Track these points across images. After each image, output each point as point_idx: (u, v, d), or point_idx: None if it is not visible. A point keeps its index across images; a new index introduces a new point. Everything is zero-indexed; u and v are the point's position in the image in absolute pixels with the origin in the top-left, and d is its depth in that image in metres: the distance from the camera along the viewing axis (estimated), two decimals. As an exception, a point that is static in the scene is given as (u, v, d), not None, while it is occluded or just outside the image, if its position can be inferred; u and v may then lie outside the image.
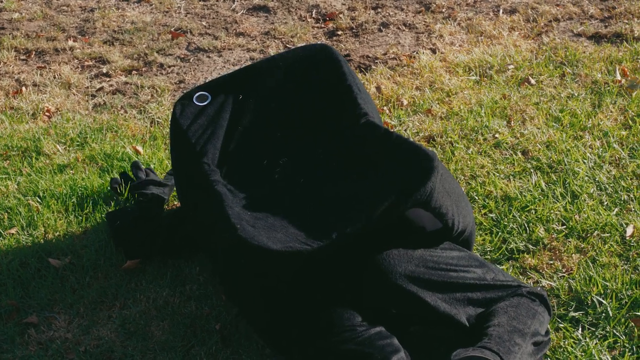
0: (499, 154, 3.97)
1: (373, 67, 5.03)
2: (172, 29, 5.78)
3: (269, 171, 3.02)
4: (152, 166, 4.01)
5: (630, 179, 3.71)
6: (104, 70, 5.22)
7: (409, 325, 2.84)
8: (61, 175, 4.01)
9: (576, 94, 4.47)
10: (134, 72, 5.20)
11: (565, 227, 3.43)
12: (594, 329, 2.94)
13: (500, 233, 3.42)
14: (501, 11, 5.72)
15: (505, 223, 3.47)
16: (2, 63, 5.36)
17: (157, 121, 4.54)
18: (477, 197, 3.64)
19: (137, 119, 4.59)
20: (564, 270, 3.22)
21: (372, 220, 2.64)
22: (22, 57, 5.46)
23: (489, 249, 3.34)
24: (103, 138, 4.36)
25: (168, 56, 5.39)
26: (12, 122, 4.60)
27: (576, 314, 3.00)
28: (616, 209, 3.51)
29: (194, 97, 3.21)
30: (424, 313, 2.74)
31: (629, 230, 3.37)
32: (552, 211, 3.51)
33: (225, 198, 2.83)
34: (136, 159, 3.97)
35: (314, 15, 5.89)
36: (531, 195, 3.62)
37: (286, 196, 2.92)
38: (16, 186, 3.95)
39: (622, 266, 3.21)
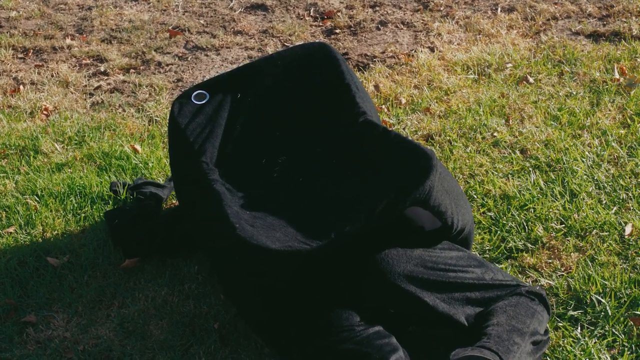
0: (497, 152, 3.97)
1: (371, 65, 5.02)
2: (170, 28, 5.77)
3: (268, 170, 3.02)
4: (150, 165, 4.00)
5: (629, 178, 3.71)
6: (102, 69, 5.21)
7: (408, 325, 2.84)
8: (59, 174, 4.00)
9: (574, 93, 4.47)
10: (132, 70, 5.19)
11: (564, 225, 3.43)
12: (593, 328, 2.93)
13: (499, 232, 3.42)
14: (499, 9, 5.71)
15: (504, 222, 3.47)
16: (-1, 61, 5.36)
17: (155, 120, 4.54)
18: (475, 196, 3.64)
19: (135, 117, 4.59)
20: (562, 269, 3.22)
21: (371, 220, 2.63)
22: (19, 56, 5.45)
23: (487, 247, 3.34)
24: (101, 137, 4.36)
25: (166, 55, 5.38)
26: (10, 120, 4.60)
27: (575, 312, 2.99)
28: (615, 208, 3.51)
29: (192, 95, 3.21)
30: (422, 313, 2.74)
31: (628, 229, 3.37)
32: (550, 210, 3.51)
33: (224, 197, 2.83)
34: (140, 175, 3.97)
35: (312, 14, 5.89)
36: (530, 194, 3.62)
37: (285, 195, 2.91)
38: (14, 185, 3.94)
39: (621, 265, 3.21)
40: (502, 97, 4.47)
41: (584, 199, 3.58)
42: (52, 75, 5.13)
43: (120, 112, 4.66)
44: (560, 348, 2.85)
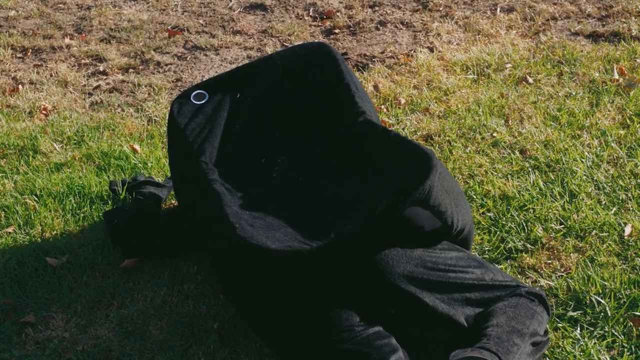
0: (497, 153, 3.97)
1: (370, 65, 5.02)
2: (169, 27, 5.77)
3: (267, 170, 3.02)
4: (149, 165, 4.00)
5: (629, 178, 3.71)
6: (101, 69, 5.20)
7: (408, 325, 2.84)
8: (58, 174, 4.00)
9: (574, 93, 4.46)
10: (131, 70, 5.19)
11: (563, 226, 3.43)
12: (592, 329, 2.93)
13: (498, 232, 3.42)
14: (498, 10, 5.71)
15: (504, 222, 3.47)
16: (-2, 61, 5.36)
17: (155, 119, 4.53)
18: (475, 197, 3.63)
19: (134, 117, 4.58)
20: (562, 270, 3.21)
21: (371, 220, 2.63)
22: (18, 55, 5.45)
23: (487, 248, 3.34)
24: (100, 136, 4.35)
25: (165, 54, 5.38)
26: (9, 120, 4.59)
27: (575, 313, 2.99)
28: (614, 209, 3.51)
29: (192, 95, 3.21)
30: (422, 313, 2.74)
31: (627, 230, 3.37)
32: (550, 210, 3.51)
33: (224, 197, 2.83)
34: (138, 172, 3.96)
35: (311, 14, 5.89)
36: (529, 194, 3.61)
37: (284, 195, 2.91)
38: (13, 185, 3.94)
39: (620, 266, 3.20)
40: (502, 98, 4.47)
41: (583, 199, 3.58)
42: (51, 75, 5.13)
43: (119, 112, 4.66)
44: (560, 349, 2.85)
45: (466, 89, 4.60)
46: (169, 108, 3.27)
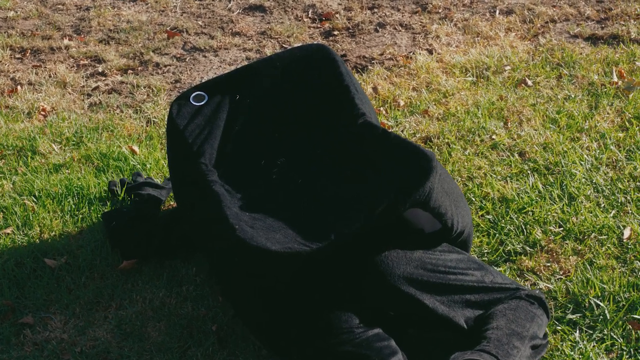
0: (496, 155, 3.97)
1: (369, 67, 5.02)
2: (168, 28, 5.76)
3: (267, 171, 3.01)
4: (148, 166, 3.99)
5: (628, 181, 3.71)
6: (100, 70, 5.20)
7: (407, 327, 2.84)
8: (57, 175, 4.00)
9: (573, 96, 4.47)
10: (129, 71, 5.19)
11: (562, 229, 3.43)
12: (591, 332, 2.93)
13: (497, 235, 3.42)
14: (497, 12, 5.71)
15: (503, 225, 3.46)
16: (-3, 62, 5.35)
17: (153, 121, 4.53)
18: (474, 199, 3.63)
19: (133, 118, 4.58)
20: (561, 273, 3.21)
21: (370, 221, 2.63)
22: (17, 56, 5.44)
23: (486, 250, 3.34)
24: (99, 137, 4.35)
25: (164, 55, 5.38)
26: (8, 121, 4.59)
27: (574, 316, 2.99)
28: (613, 211, 3.51)
29: (191, 97, 3.20)
30: (422, 315, 2.74)
31: (626, 233, 3.37)
32: (549, 213, 3.51)
33: (223, 198, 2.82)
34: (137, 171, 3.96)
35: (310, 15, 5.88)
36: (528, 197, 3.61)
37: (284, 196, 2.91)
38: (12, 185, 3.93)
39: (619, 269, 3.20)
40: (501, 100, 4.47)
41: (582, 202, 3.58)
42: (50, 76, 5.12)
43: (118, 113, 4.65)
44: (559, 352, 2.85)
45: (465, 91, 4.60)
46: (168, 109, 3.27)
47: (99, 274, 3.36)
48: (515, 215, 3.51)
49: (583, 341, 2.89)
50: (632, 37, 5.18)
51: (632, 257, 3.25)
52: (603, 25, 5.42)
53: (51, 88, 4.95)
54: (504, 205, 3.58)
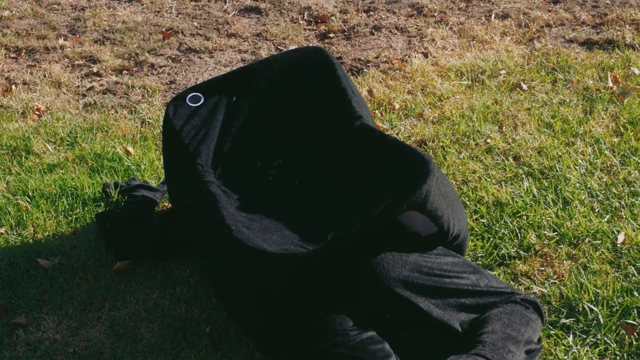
0: (490, 159, 3.97)
1: (365, 70, 5.02)
2: (164, 29, 5.76)
3: (263, 173, 3.01)
4: (142, 167, 3.99)
5: (622, 186, 3.71)
6: (95, 70, 5.19)
7: (402, 330, 2.83)
8: (51, 175, 3.99)
9: (568, 100, 4.47)
10: (124, 71, 5.18)
11: (556, 233, 3.43)
12: (585, 336, 2.93)
13: (491, 239, 3.42)
14: (493, 16, 5.72)
15: (497, 229, 3.47)
16: (-9, 61, 5.34)
17: (148, 122, 4.52)
18: (468, 203, 3.63)
19: (127, 119, 4.57)
20: (555, 277, 3.22)
21: (367, 224, 2.63)
22: (12, 55, 5.43)
23: (480, 254, 3.34)
24: (93, 138, 4.34)
25: (159, 56, 5.37)
26: (2, 120, 4.57)
27: (567, 320, 2.99)
28: (607, 216, 3.51)
29: (187, 98, 3.20)
30: (417, 318, 2.73)
31: (620, 238, 3.38)
32: (543, 217, 3.51)
33: (220, 199, 2.82)
34: (132, 173, 3.95)
35: (305, 18, 5.88)
36: (523, 201, 3.62)
37: (280, 198, 2.91)
38: (5, 185, 3.92)
39: (613, 273, 3.21)
40: (496, 104, 4.47)
41: (576, 206, 3.58)
42: (45, 76, 5.11)
43: (112, 114, 4.64)
44: (552, 356, 2.85)
45: (460, 95, 4.61)
46: (164, 110, 3.27)
47: (93, 274, 3.35)
48: (510, 219, 3.51)
49: (576, 345, 2.89)
50: (627, 42, 5.19)
51: (626, 262, 3.26)
52: (598, 30, 5.43)
53: (46, 88, 4.94)
54: (499, 209, 3.58)
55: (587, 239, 3.39)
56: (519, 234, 3.43)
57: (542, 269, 3.26)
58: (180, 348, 2.97)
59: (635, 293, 3.09)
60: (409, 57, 5.16)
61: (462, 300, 2.77)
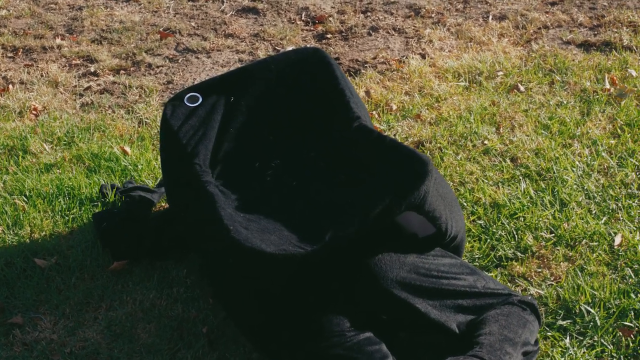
0: (487, 160, 3.97)
1: (362, 71, 5.02)
2: (161, 29, 5.75)
3: (261, 174, 3.01)
4: (139, 167, 3.98)
5: (619, 188, 3.72)
6: (92, 70, 5.19)
7: (399, 331, 2.83)
8: (48, 175, 3.98)
9: (565, 102, 4.47)
10: (122, 71, 5.17)
11: (553, 235, 3.44)
12: (581, 338, 2.94)
13: (488, 240, 3.42)
14: (490, 17, 5.72)
15: (494, 230, 3.47)
16: (-12, 60, 5.34)
17: (145, 121, 4.52)
18: (465, 204, 3.64)
19: (124, 119, 4.57)
20: (552, 279, 3.22)
21: (365, 225, 2.63)
22: (9, 55, 5.43)
23: (477, 255, 3.34)
24: (90, 138, 4.34)
25: (156, 56, 5.37)
26: (-1, 119, 4.57)
27: (564, 322, 3.00)
28: (604, 218, 3.52)
29: (185, 98, 3.20)
30: (414, 319, 2.73)
31: (617, 240, 3.38)
32: (540, 219, 3.51)
33: (218, 199, 2.82)
34: (129, 174, 3.95)
35: (303, 18, 5.88)
36: (520, 202, 3.62)
37: (279, 199, 2.91)
38: (2, 185, 3.92)
39: (610, 275, 3.21)
40: (493, 105, 4.48)
41: (573, 208, 3.58)
42: (42, 75, 5.11)
43: (110, 114, 4.64)
44: (549, 358, 2.86)
45: (458, 96, 4.61)
46: (162, 110, 3.26)
47: (89, 274, 3.35)
48: (507, 221, 3.51)
49: (573, 347, 2.89)
50: (624, 44, 5.19)
51: (623, 264, 3.26)
52: (596, 32, 5.44)
53: (43, 87, 4.94)
54: (496, 210, 3.59)
55: (584, 240, 3.39)
56: (516, 236, 3.43)
57: (539, 270, 3.26)
58: (177, 348, 2.97)
59: (632, 295, 3.09)
60: (406, 58, 5.16)
61: (459, 301, 2.77)
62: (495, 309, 2.76)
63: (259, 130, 3.14)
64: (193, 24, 5.84)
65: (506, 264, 3.30)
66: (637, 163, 3.88)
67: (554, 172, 3.82)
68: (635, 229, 3.45)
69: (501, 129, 4.24)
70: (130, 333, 3.05)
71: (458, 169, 3.89)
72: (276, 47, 5.43)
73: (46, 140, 4.33)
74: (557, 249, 3.35)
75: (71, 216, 3.67)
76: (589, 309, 3.03)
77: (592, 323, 2.98)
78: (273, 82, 3.24)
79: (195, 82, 4.89)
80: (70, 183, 3.86)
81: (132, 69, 5.21)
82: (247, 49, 5.43)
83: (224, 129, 3.13)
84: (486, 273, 3.10)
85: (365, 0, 6.12)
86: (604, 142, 4.06)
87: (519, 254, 3.34)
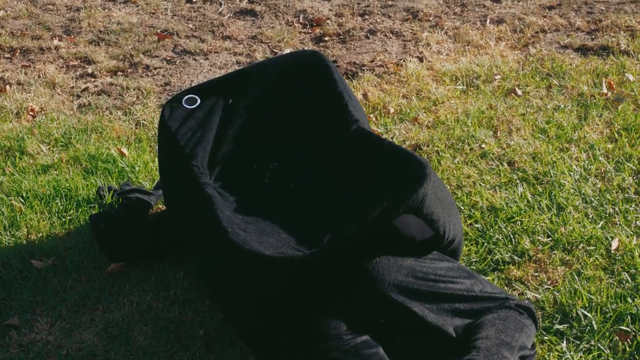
0: (485, 164, 3.97)
1: (360, 74, 5.02)
2: (159, 31, 5.75)
3: (259, 176, 3.01)
4: (137, 168, 3.98)
5: (616, 193, 3.72)
6: (89, 71, 5.18)
7: (396, 334, 2.83)
8: (45, 176, 3.98)
9: (562, 106, 4.48)
10: (119, 73, 5.17)
11: (550, 239, 3.44)
12: (578, 342, 2.94)
13: (485, 244, 3.42)
14: (488, 21, 5.73)
15: (491, 234, 3.47)
16: (-14, 61, 5.33)
17: (143, 123, 4.51)
18: (463, 207, 3.64)
19: (122, 120, 4.57)
20: (549, 283, 3.22)
21: (363, 228, 2.63)
22: (6, 56, 5.42)
23: (474, 259, 3.34)
24: (87, 139, 4.33)
25: (154, 58, 5.36)
26: (-4, 120, 4.57)
27: (561, 326, 3.00)
28: (601, 222, 3.52)
29: (183, 100, 3.19)
30: (411, 322, 2.73)
31: (614, 244, 3.38)
32: (537, 223, 3.52)
33: (216, 201, 2.82)
34: (126, 175, 3.94)
35: (301, 21, 5.88)
36: (517, 206, 3.62)
37: (276, 201, 2.91)
38: (-1, 186, 3.92)
39: (607, 280, 3.21)
40: (490, 109, 4.48)
41: (570, 212, 3.59)
42: (39, 76, 5.10)
43: (107, 115, 4.64)
44: (546, 362, 2.86)
45: (455, 100, 4.61)
46: (160, 112, 3.26)
47: (86, 276, 3.35)
48: (504, 225, 3.51)
49: (570, 352, 2.89)
50: (622, 48, 5.20)
51: (620, 269, 3.26)
52: (593, 37, 5.44)
53: (40, 88, 4.94)
54: (493, 214, 3.59)
55: (581, 245, 3.39)
56: (513, 240, 3.43)
57: (536, 274, 3.26)
58: (174, 351, 2.97)
59: (629, 299, 3.10)
60: (404, 61, 5.16)
61: (456, 305, 2.77)
62: (493, 313, 2.76)
63: (257, 132, 3.14)
64: (191, 25, 5.84)
65: (503, 267, 3.30)
66: (634, 167, 3.89)
67: (551, 176, 3.82)
68: (632, 233, 3.45)
69: (498, 132, 4.24)
70: (126, 335, 3.04)
71: (455, 172, 3.89)
72: (274, 50, 5.44)
73: (43, 141, 4.32)
74: (554, 253, 3.36)
75: (68, 218, 3.67)
76: (585, 313, 3.04)
77: (589, 327, 2.98)
78: (271, 84, 3.24)
79: (193, 84, 4.89)
80: (68, 184, 3.85)
81: (129, 70, 5.21)
82: (245, 51, 5.43)
83: (222, 131, 3.13)
84: (483, 277, 3.10)
85: (363, 3, 6.12)
86: (601, 146, 4.06)
87: (516, 257, 3.34)
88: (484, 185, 3.79)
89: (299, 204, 2.86)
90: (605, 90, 4.62)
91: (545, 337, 2.95)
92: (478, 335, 2.66)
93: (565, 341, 2.94)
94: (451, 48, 5.34)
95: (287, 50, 5.36)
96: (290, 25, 5.81)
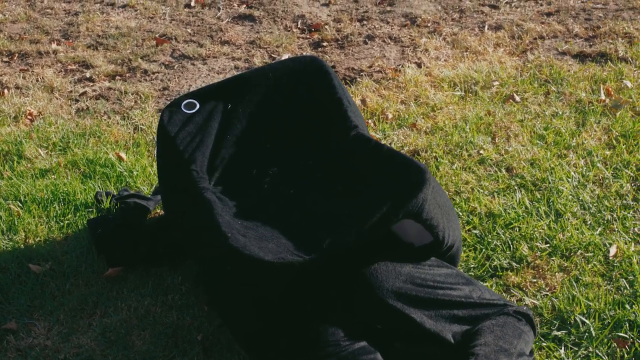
0: (483, 170, 3.98)
1: (358, 79, 5.02)
2: (157, 36, 5.75)
3: (258, 181, 3.01)
4: (135, 173, 3.98)
5: (614, 199, 3.72)
6: (88, 75, 5.18)
7: (394, 341, 2.83)
8: (43, 180, 3.97)
9: (560, 113, 4.48)
10: (117, 77, 5.17)
11: (548, 245, 3.44)
12: (576, 349, 2.93)
13: (484, 250, 3.42)
14: (486, 27, 5.73)
15: (489, 240, 3.47)
16: (-16, 64, 5.33)
17: (141, 128, 4.51)
18: (461, 213, 3.64)
19: (120, 125, 4.56)
20: (547, 289, 3.22)
21: (362, 236, 2.63)
22: (4, 59, 5.42)
23: (472, 265, 3.34)
24: (86, 143, 4.33)
25: (152, 62, 5.36)
26: (-6, 124, 4.57)
27: (559, 333, 3.00)
28: (599, 229, 3.52)
29: (182, 104, 3.19)
30: (409, 329, 2.73)
31: (612, 250, 3.38)
32: (536, 229, 3.52)
33: (215, 206, 2.81)
34: (124, 181, 3.94)
35: (299, 26, 5.89)
36: (515, 212, 3.62)
37: (276, 207, 2.91)
38: (-3, 190, 3.92)
39: (605, 286, 3.21)
40: (489, 115, 4.48)
41: (569, 219, 3.59)
42: (37, 80, 5.10)
43: (105, 119, 4.63)
44: (544, 368, 2.86)
45: (453, 106, 4.61)
46: (159, 116, 3.26)
47: (84, 280, 3.34)
48: (502, 231, 3.52)
49: (568, 358, 2.89)
50: (619, 55, 5.21)
51: (618, 275, 3.26)
52: (591, 43, 5.45)
53: (38, 92, 4.93)
54: (491, 220, 3.59)
55: (579, 251, 3.39)
56: (511, 246, 3.44)
57: (534, 280, 3.26)
58: (172, 356, 2.96)
59: (627, 306, 3.10)
60: (402, 67, 5.17)
61: (454, 311, 2.77)
62: (491, 320, 2.75)
63: (256, 137, 3.14)
64: (189, 30, 5.84)
65: (501, 274, 3.30)
66: (632, 174, 3.89)
67: (550, 183, 3.83)
68: (630, 240, 3.45)
69: (497, 138, 4.24)
70: (124, 340, 3.04)
71: (453, 178, 3.90)
72: (272, 55, 5.44)
73: (41, 145, 4.32)
74: (552, 260, 3.36)
75: (66, 222, 3.67)
76: (584, 319, 3.03)
77: (587, 334, 2.98)
78: (270, 90, 3.24)
79: (191, 89, 4.89)
80: (65, 189, 3.85)
81: (127, 74, 5.20)
82: (243, 56, 5.43)
83: (221, 136, 3.12)
84: (482, 283, 3.10)
85: (362, 8, 6.13)
86: (599, 153, 4.07)
87: (514, 264, 3.34)
88: (482, 191, 3.80)
89: (298, 211, 2.86)
90: (603, 97, 4.63)
91: (544, 344, 2.95)
92: (476, 342, 2.65)
93: (563, 347, 2.94)
94: (449, 54, 5.35)
95: (286, 56, 5.36)
96: (289, 31, 5.82)
